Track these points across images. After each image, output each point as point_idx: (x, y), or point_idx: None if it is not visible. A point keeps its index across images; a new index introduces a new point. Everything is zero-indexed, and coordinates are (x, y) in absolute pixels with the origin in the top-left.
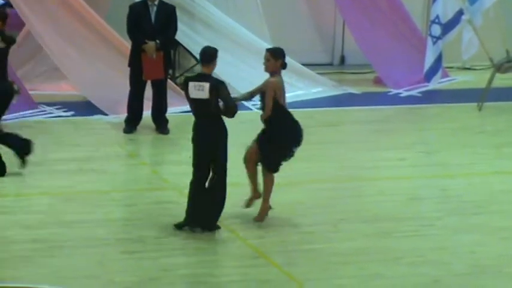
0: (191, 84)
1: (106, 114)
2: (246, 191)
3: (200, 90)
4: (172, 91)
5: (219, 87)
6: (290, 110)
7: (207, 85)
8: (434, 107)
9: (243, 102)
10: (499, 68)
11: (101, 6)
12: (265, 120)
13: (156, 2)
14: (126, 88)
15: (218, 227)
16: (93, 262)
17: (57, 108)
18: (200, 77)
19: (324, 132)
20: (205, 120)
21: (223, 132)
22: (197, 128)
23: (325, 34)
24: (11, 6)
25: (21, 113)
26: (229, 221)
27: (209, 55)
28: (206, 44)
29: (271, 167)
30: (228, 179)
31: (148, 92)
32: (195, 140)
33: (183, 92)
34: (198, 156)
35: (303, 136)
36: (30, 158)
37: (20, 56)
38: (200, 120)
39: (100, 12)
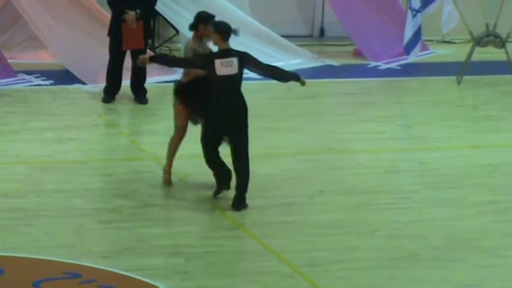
0: (218, 61)
1: (85, 84)
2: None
3: (229, 66)
4: None
5: (248, 57)
6: (269, 81)
7: (235, 60)
8: (413, 80)
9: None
10: (479, 41)
11: None
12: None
13: None
14: (106, 57)
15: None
16: (70, 231)
17: (36, 77)
18: (226, 53)
19: (303, 104)
20: (231, 97)
21: (246, 107)
22: (221, 105)
23: (305, 6)
24: None
25: (0, 81)
26: (207, 192)
27: (229, 31)
28: (185, 14)
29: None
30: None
31: (128, 62)
32: (215, 116)
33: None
34: (214, 130)
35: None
36: (9, 126)
37: None
38: (225, 97)
39: None
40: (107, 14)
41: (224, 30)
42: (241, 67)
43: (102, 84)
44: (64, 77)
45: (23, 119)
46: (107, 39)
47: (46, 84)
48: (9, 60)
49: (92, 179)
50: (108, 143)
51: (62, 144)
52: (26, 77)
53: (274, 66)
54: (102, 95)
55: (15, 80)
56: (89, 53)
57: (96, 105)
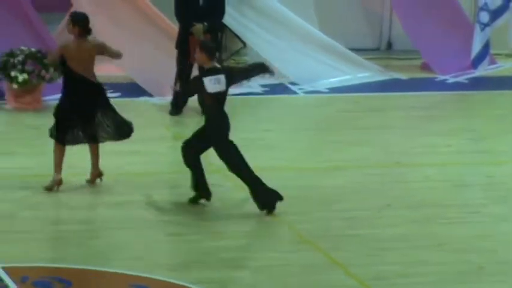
0: (206, 79)
1: (152, 96)
2: (289, 175)
3: (217, 84)
4: None
5: (229, 70)
6: (337, 94)
7: (222, 77)
8: (481, 93)
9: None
10: None
11: None
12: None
13: None
14: (173, 70)
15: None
16: (137, 244)
17: None
18: (213, 71)
19: (370, 117)
20: (222, 111)
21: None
22: (219, 120)
23: (373, 19)
24: None
25: None
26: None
27: (216, 50)
28: (253, 26)
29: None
30: (272, 163)
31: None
32: (220, 131)
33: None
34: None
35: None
36: None
37: (67, 36)
38: (218, 113)
39: None
40: (174, 27)
41: (211, 50)
42: (228, 84)
43: (169, 97)
44: (131, 89)
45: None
46: (175, 52)
47: (114, 97)
48: None
49: (159, 191)
50: (176, 155)
51: (129, 157)
52: None
53: (251, 65)
54: (169, 107)
55: None
56: (156, 65)
57: (163, 117)
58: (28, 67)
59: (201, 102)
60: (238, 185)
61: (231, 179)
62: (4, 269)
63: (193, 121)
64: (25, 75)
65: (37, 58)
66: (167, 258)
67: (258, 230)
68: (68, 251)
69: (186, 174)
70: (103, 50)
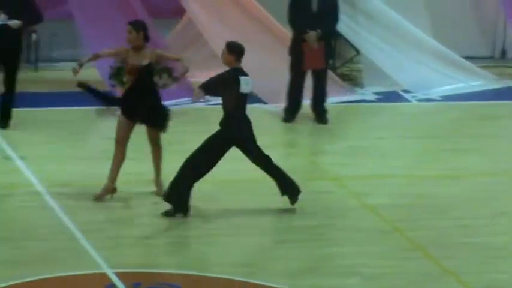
0: (243, 79)
1: (265, 103)
2: (402, 183)
3: (249, 85)
4: (332, 81)
5: None
6: (450, 102)
7: (250, 79)
8: None
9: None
10: None
11: None
12: None
13: None
14: (286, 77)
15: None
16: (248, 250)
17: None
18: (243, 72)
19: (483, 125)
20: (245, 113)
21: None
22: (246, 122)
23: (486, 27)
24: None
25: (180, 99)
26: (386, 211)
27: (244, 51)
28: (366, 34)
29: None
30: (384, 170)
31: (308, 82)
32: (247, 133)
33: (341, 82)
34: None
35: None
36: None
37: (180, 43)
38: (244, 113)
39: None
40: (287, 34)
41: (240, 52)
42: None
43: (282, 104)
44: None
45: (202, 138)
46: (288, 59)
47: (219, 104)
48: (189, 79)
49: (272, 198)
50: (288, 162)
51: (242, 163)
52: None
53: None
54: (282, 114)
55: None
56: (269, 72)
57: (276, 124)
58: None
59: (225, 102)
60: (351, 192)
61: (344, 186)
62: (117, 274)
63: (306, 128)
64: None
65: None
66: (277, 265)
67: (370, 237)
68: (180, 257)
69: (298, 181)
70: None
